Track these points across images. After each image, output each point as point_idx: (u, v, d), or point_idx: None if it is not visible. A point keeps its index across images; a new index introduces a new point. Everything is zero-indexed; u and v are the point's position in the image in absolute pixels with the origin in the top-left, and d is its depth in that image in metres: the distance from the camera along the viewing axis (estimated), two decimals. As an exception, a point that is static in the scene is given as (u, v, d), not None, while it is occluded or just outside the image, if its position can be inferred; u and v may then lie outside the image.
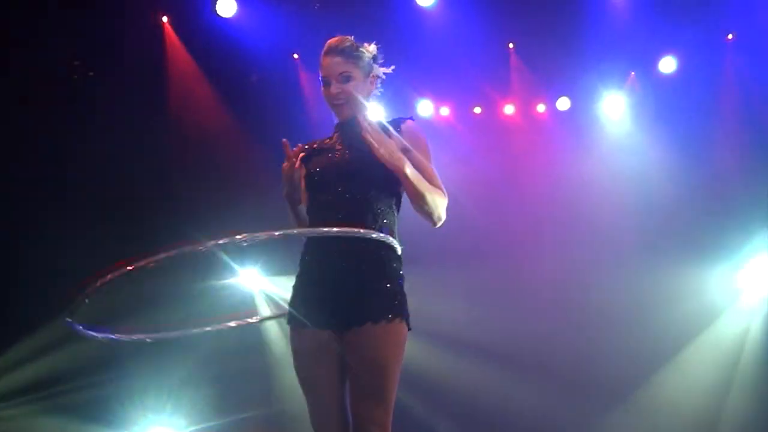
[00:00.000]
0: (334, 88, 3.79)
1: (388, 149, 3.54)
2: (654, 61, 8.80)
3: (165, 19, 8.38)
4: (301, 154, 3.70)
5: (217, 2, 8.16)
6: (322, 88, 3.85)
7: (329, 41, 3.85)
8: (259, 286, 8.99)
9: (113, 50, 8.03)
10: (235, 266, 8.75)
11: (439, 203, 3.68)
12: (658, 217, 8.65)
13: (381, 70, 3.94)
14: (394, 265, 3.66)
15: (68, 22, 7.79)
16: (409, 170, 3.56)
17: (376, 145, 3.52)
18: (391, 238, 3.62)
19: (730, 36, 8.52)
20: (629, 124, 9.11)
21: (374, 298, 3.56)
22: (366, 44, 3.89)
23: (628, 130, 9.11)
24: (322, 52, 3.85)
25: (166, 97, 8.55)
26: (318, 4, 8.28)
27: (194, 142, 8.75)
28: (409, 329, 3.62)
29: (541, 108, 9.30)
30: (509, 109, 9.25)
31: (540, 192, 9.08)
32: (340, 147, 3.81)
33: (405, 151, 3.64)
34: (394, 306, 3.59)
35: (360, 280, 3.56)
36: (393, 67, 3.97)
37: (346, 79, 3.79)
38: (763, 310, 8.59)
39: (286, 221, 3.83)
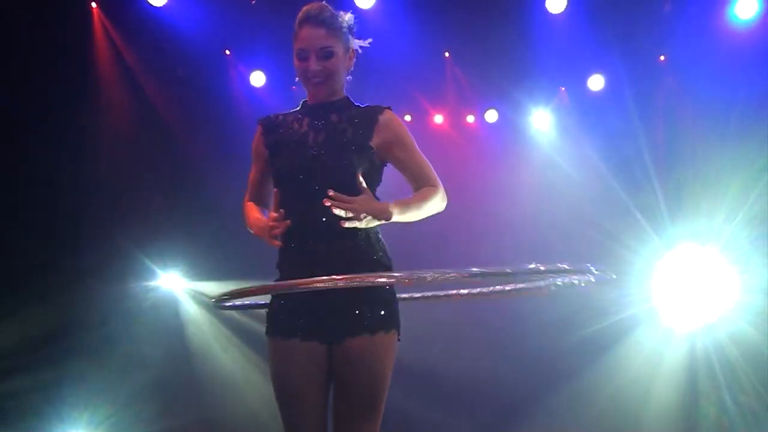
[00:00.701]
0: (314, 64, 3.42)
1: (368, 213, 3.23)
2: (584, 78, 8.88)
3: (94, 4, 8.09)
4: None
5: (148, -9, 7.92)
6: (297, 62, 3.46)
7: (307, 8, 3.47)
8: (180, 288, 8.80)
9: (38, 34, 7.71)
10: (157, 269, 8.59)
11: (436, 206, 3.51)
12: (580, 227, 8.72)
13: (358, 43, 3.59)
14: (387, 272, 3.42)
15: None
16: (397, 215, 3.33)
17: (357, 221, 3.21)
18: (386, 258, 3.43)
19: (662, 57, 8.63)
20: (556, 139, 9.17)
21: (370, 307, 3.34)
22: (342, 12, 3.53)
23: (555, 145, 9.17)
24: (299, 20, 3.46)
25: (93, 85, 8.24)
26: (254, 0, 8.11)
27: (119, 134, 8.49)
28: (399, 340, 3.44)
29: (470, 119, 9.31)
30: (438, 119, 9.23)
31: (466, 201, 9.08)
32: (313, 141, 3.45)
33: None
34: (390, 316, 3.39)
35: (354, 289, 3.29)
36: (370, 39, 3.64)
37: (329, 54, 3.43)
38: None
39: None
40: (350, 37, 3.54)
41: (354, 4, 7.81)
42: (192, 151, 8.83)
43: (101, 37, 8.13)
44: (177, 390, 8.46)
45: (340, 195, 3.18)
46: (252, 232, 3.49)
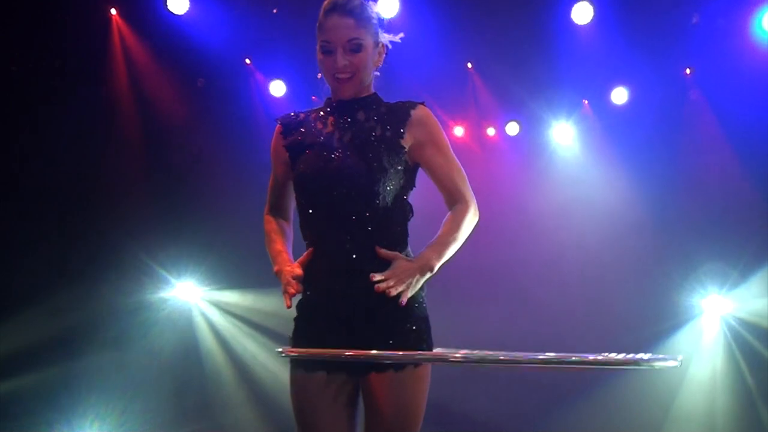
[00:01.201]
0: (342, 59, 3.14)
1: (411, 278, 3.03)
2: (607, 91, 8.73)
3: (114, 11, 8.03)
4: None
5: (168, -1, 7.86)
6: (321, 55, 3.19)
7: None
8: (195, 298, 8.71)
9: (57, 40, 7.66)
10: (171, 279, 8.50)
11: (470, 228, 3.26)
12: (603, 247, 8.59)
13: (387, 37, 3.30)
14: (420, 301, 3.21)
15: (8, 11, 7.42)
16: (438, 262, 3.11)
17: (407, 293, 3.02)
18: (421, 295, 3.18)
19: (688, 71, 8.49)
20: (578, 154, 9.04)
21: (403, 340, 3.10)
22: (371, 2, 3.22)
23: (577, 160, 9.04)
24: (325, 8, 3.16)
25: (110, 93, 8.19)
26: (276, 9, 8.02)
27: (135, 143, 8.45)
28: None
29: (491, 131, 9.18)
30: (459, 131, 9.10)
31: (485, 216, 8.94)
32: (338, 141, 3.19)
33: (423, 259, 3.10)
34: (422, 347, 3.15)
35: (383, 321, 3.10)
36: (402, 34, 3.36)
37: (357, 48, 3.15)
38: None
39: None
40: (380, 30, 3.26)
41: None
42: (209, 160, 8.76)
43: (119, 44, 8.07)
44: (191, 398, 8.40)
45: (379, 277, 2.98)
46: (270, 256, 3.31)
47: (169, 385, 8.23)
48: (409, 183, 3.28)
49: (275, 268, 3.21)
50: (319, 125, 3.28)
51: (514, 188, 9.00)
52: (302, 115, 3.35)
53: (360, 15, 3.16)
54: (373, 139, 3.19)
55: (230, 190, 8.56)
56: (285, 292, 3.08)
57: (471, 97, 8.91)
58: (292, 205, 3.40)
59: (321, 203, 3.16)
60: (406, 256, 3.19)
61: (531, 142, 9.10)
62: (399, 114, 3.24)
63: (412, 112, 3.24)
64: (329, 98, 3.34)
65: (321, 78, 3.32)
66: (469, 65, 8.72)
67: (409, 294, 3.03)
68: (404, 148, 3.22)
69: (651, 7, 7.96)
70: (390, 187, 3.17)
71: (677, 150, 8.54)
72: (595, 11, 8.00)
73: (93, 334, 7.89)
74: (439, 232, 3.22)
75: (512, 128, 9.08)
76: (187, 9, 7.89)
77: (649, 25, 8.03)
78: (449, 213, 3.27)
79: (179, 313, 8.57)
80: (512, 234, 8.90)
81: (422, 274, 3.07)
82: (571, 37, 8.25)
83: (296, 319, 3.26)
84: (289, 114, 3.40)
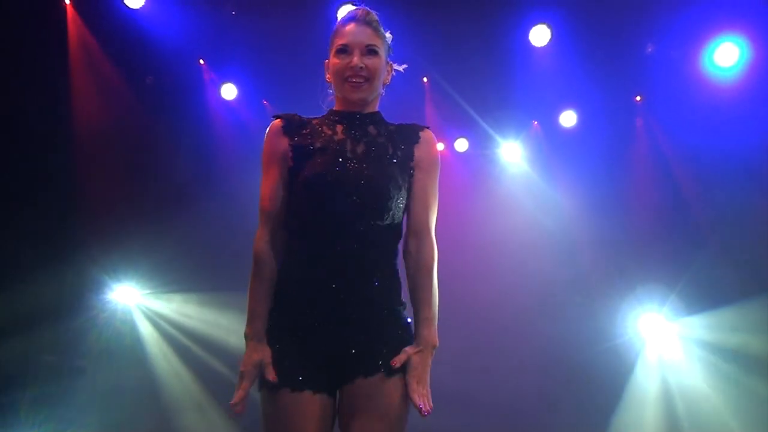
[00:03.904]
0: (358, 60, 3.19)
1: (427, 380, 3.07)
2: (558, 113, 8.84)
3: (68, 1, 7.84)
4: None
5: (126, -11, 7.69)
6: (336, 59, 3.21)
7: (353, 9, 3.29)
8: (134, 300, 8.57)
9: (8, 27, 7.45)
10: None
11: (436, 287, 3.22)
12: (543, 263, 8.69)
13: (393, 65, 3.39)
14: (402, 308, 3.20)
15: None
16: (437, 337, 3.13)
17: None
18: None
19: (638, 98, 8.64)
20: (526, 172, 9.13)
21: (384, 346, 3.08)
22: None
23: (525, 178, 9.13)
24: (344, 19, 3.28)
25: (59, 86, 7.97)
26: (235, 11, 7.92)
27: (81, 137, 8.24)
28: None
29: (440, 146, 9.20)
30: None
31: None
32: (351, 151, 3.16)
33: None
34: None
35: (369, 333, 3.08)
36: (405, 66, 3.44)
37: (373, 52, 3.22)
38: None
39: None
40: (389, 51, 3.37)
41: (337, 21, 7.67)
42: (154, 159, 8.61)
43: (74, 35, 7.88)
44: (130, 401, 8.21)
45: (419, 402, 3.01)
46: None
47: (105, 387, 8.06)
48: (406, 200, 3.27)
49: (246, 341, 3.17)
50: (327, 131, 3.24)
51: (459, 203, 9.03)
52: (304, 119, 3.30)
53: (377, 28, 3.28)
54: (388, 156, 3.20)
55: (176, 192, 8.44)
56: (238, 388, 3.09)
57: (422, 111, 8.91)
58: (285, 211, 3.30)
59: (330, 209, 3.10)
60: (393, 275, 3.19)
61: (479, 159, 9.15)
62: (409, 135, 3.27)
63: (421, 135, 3.29)
64: (332, 110, 3.34)
65: (325, 90, 3.37)
66: (425, 80, 8.72)
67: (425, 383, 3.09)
68: (413, 169, 3.24)
69: (608, 34, 8.07)
70: (400, 205, 3.19)
71: (621, 173, 8.73)
72: (552, 34, 8.09)
73: (28, 336, 7.69)
74: (423, 299, 3.17)
75: (461, 144, 9.11)
76: (143, 4, 7.74)
77: (604, 52, 8.15)
78: (424, 267, 3.20)
79: (118, 316, 8.42)
80: (455, 247, 8.91)
81: (432, 357, 3.12)
82: (527, 59, 8.33)
83: (277, 317, 3.19)
84: (287, 114, 3.32)
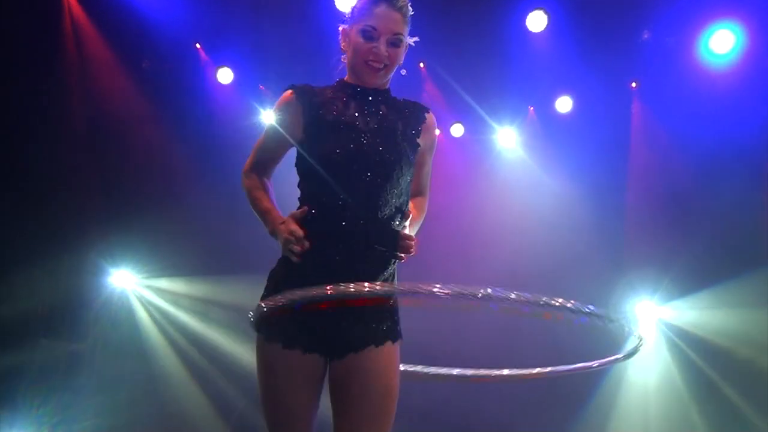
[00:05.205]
0: (384, 49, 3.20)
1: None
2: (553, 99, 8.86)
3: (64, -14, 7.83)
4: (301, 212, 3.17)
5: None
6: (362, 39, 3.21)
7: None
8: (131, 285, 8.59)
9: (4, 12, 7.43)
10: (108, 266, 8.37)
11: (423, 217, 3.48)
12: (542, 246, 8.73)
13: (410, 39, 3.37)
14: (394, 281, 3.30)
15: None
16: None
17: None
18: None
19: (633, 84, 8.67)
20: (522, 157, 9.15)
21: (375, 320, 3.18)
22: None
23: (520, 163, 9.15)
24: None
25: (59, 67, 7.97)
26: (233, -5, 7.92)
27: (75, 122, 8.26)
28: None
29: (435, 132, 9.17)
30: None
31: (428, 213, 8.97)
32: (364, 127, 3.21)
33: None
34: (394, 326, 3.24)
35: (365, 309, 3.16)
36: (416, 38, 3.39)
37: (398, 42, 3.22)
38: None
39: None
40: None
41: (334, 5, 7.68)
42: (150, 144, 8.61)
43: (70, 20, 7.86)
44: (128, 385, 8.26)
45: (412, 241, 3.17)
46: (257, 214, 3.30)
47: (103, 371, 8.10)
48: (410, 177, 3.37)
49: (268, 228, 3.22)
50: (340, 105, 3.27)
51: (455, 189, 9.05)
52: (318, 89, 3.34)
53: (406, 14, 3.27)
54: (398, 134, 3.26)
55: (172, 176, 8.46)
56: (290, 251, 3.10)
57: (419, 96, 8.91)
58: (276, 168, 3.43)
59: (344, 185, 3.16)
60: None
61: (475, 145, 9.16)
62: (416, 115, 3.36)
63: (426, 116, 3.39)
64: (343, 81, 3.36)
65: (337, 58, 3.39)
66: (422, 65, 8.73)
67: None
68: (419, 146, 3.34)
69: (605, 20, 8.09)
70: (408, 181, 3.29)
71: (616, 159, 8.76)
72: (549, 20, 8.09)
73: (26, 321, 7.71)
74: (414, 213, 3.38)
75: (457, 130, 9.12)
76: (140, -12, 7.75)
77: (601, 38, 8.16)
78: (417, 199, 3.46)
79: (115, 301, 8.44)
80: (450, 232, 8.95)
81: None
82: (524, 44, 8.34)
83: (280, 279, 3.23)
84: (302, 85, 3.34)
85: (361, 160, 3.16)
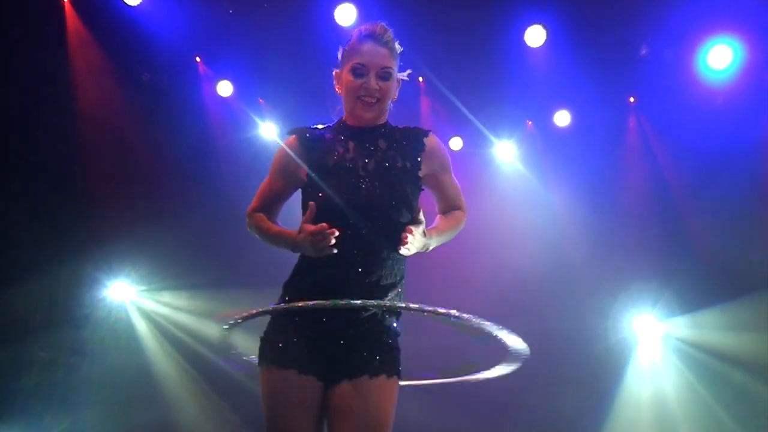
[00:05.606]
0: (374, 83, 3.27)
1: (417, 248, 3.19)
2: (552, 113, 8.89)
3: (66, -1, 7.89)
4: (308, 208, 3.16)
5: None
6: (352, 77, 3.30)
7: (371, 25, 3.34)
8: (128, 297, 8.60)
9: (7, 24, 7.47)
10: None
11: (459, 229, 3.45)
12: (542, 260, 8.74)
13: (402, 75, 3.45)
14: (395, 322, 3.32)
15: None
16: (434, 244, 3.29)
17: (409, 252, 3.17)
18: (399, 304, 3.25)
19: (631, 99, 8.70)
20: (520, 171, 9.17)
21: (374, 351, 3.20)
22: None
23: (519, 177, 9.17)
24: (362, 35, 3.33)
25: (60, 80, 8.00)
26: (232, 10, 7.94)
27: (83, 131, 8.27)
28: None
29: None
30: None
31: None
32: (363, 170, 3.27)
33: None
34: (391, 362, 3.24)
35: (360, 330, 3.20)
36: (409, 71, 3.48)
37: (387, 76, 3.30)
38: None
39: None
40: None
41: (334, 21, 7.72)
42: (149, 156, 8.64)
43: (72, 32, 7.90)
44: (126, 397, 8.26)
45: (414, 230, 3.13)
46: (272, 243, 3.33)
47: (101, 383, 8.10)
48: (416, 204, 3.37)
49: (289, 247, 3.23)
50: (340, 149, 3.34)
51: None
52: (317, 132, 3.40)
53: (393, 48, 3.36)
54: (396, 170, 3.31)
55: (171, 188, 8.48)
56: (322, 249, 3.09)
57: (417, 110, 8.94)
58: (277, 215, 3.45)
59: (344, 229, 3.17)
60: (402, 287, 3.35)
61: (474, 159, 9.17)
62: (414, 143, 3.38)
63: (426, 141, 3.41)
64: (343, 122, 3.42)
65: (331, 100, 3.46)
66: (420, 79, 8.76)
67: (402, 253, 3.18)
68: (421, 178, 3.37)
69: (603, 35, 8.13)
70: (410, 218, 3.28)
71: (614, 174, 8.80)
72: (548, 35, 8.13)
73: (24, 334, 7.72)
74: (441, 222, 3.43)
75: (456, 143, 9.14)
76: (140, 1, 7.77)
77: (599, 53, 8.20)
78: (454, 211, 3.49)
79: (113, 313, 8.45)
80: (449, 246, 8.92)
81: (421, 249, 3.24)
82: (522, 59, 8.37)
83: (275, 319, 3.30)
84: (303, 129, 3.43)
85: (361, 207, 3.21)
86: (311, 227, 3.09)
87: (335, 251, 3.10)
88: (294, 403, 3.17)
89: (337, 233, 3.06)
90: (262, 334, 3.31)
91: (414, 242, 3.14)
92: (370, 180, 3.26)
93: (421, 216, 3.22)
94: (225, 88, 8.61)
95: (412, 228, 3.13)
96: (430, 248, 3.30)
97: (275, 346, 3.22)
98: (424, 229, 3.21)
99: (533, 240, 8.87)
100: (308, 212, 3.15)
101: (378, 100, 3.31)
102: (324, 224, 3.07)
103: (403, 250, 3.14)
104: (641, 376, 8.71)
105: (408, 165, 3.34)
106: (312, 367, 3.19)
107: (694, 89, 8.21)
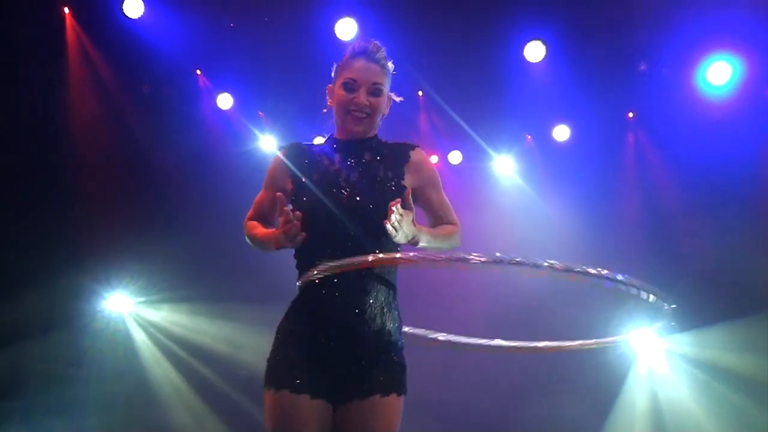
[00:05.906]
0: (364, 98, 3.36)
1: (405, 234, 3.15)
2: (551, 128, 8.91)
3: (67, 10, 7.90)
4: (289, 210, 3.18)
5: (125, 1, 7.74)
6: (343, 92, 3.38)
7: (364, 42, 3.44)
8: (126, 309, 8.60)
9: (8, 36, 7.49)
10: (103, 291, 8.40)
11: (453, 242, 3.43)
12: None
13: (392, 96, 3.53)
14: (400, 336, 3.34)
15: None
16: (424, 242, 3.26)
17: (397, 235, 3.11)
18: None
19: (630, 114, 8.73)
20: (519, 185, 9.18)
21: (381, 370, 3.22)
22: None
23: (518, 191, 9.18)
24: (354, 51, 3.42)
25: (61, 91, 8.03)
26: (233, 23, 7.97)
27: (84, 143, 8.29)
28: None
29: (434, 159, 9.23)
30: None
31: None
32: (345, 181, 3.33)
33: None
34: (401, 380, 3.27)
35: (368, 350, 3.23)
36: (401, 98, 3.56)
37: (378, 92, 3.39)
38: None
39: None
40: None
41: (335, 35, 7.74)
42: (149, 169, 8.66)
43: (73, 44, 7.93)
44: (123, 409, 8.25)
45: (401, 211, 3.09)
46: (262, 247, 3.39)
47: (98, 395, 8.09)
48: None
49: (273, 240, 3.28)
50: (325, 161, 3.42)
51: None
52: (305, 147, 3.48)
53: (384, 66, 3.44)
54: (379, 180, 3.35)
55: (170, 201, 8.49)
56: (290, 236, 3.15)
57: (417, 124, 8.97)
58: (273, 225, 3.47)
59: (330, 236, 3.26)
60: (396, 309, 3.37)
61: (473, 172, 9.19)
62: (399, 156, 3.44)
63: (411, 154, 3.46)
64: (334, 137, 3.49)
65: (327, 114, 3.52)
66: (420, 93, 8.78)
67: (392, 236, 3.13)
68: (406, 188, 3.35)
69: (602, 51, 8.16)
70: (408, 200, 3.27)
71: (613, 188, 8.81)
72: (547, 51, 8.15)
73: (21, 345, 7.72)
74: (436, 228, 3.43)
75: (455, 157, 9.16)
76: (141, 14, 7.80)
77: (598, 69, 8.22)
78: (446, 226, 3.48)
79: (111, 325, 8.45)
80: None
81: (410, 236, 3.20)
82: (522, 74, 8.40)
83: (280, 342, 3.31)
84: (292, 144, 3.52)
85: (343, 214, 3.26)
86: (282, 219, 3.15)
87: (306, 237, 3.14)
88: (306, 428, 3.16)
89: (301, 215, 3.12)
90: (268, 356, 3.31)
91: (401, 224, 3.10)
92: (350, 190, 3.31)
93: (411, 204, 3.21)
94: (225, 101, 8.63)
95: (397, 206, 3.10)
96: (420, 243, 3.25)
97: (285, 371, 3.21)
98: (414, 219, 3.20)
99: (532, 254, 8.83)
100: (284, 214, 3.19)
101: (368, 115, 3.40)
102: (288, 210, 3.14)
103: (389, 228, 3.07)
104: (639, 390, 8.69)
105: (390, 174, 3.38)
106: (322, 390, 3.19)
107: (692, 105, 8.24)
